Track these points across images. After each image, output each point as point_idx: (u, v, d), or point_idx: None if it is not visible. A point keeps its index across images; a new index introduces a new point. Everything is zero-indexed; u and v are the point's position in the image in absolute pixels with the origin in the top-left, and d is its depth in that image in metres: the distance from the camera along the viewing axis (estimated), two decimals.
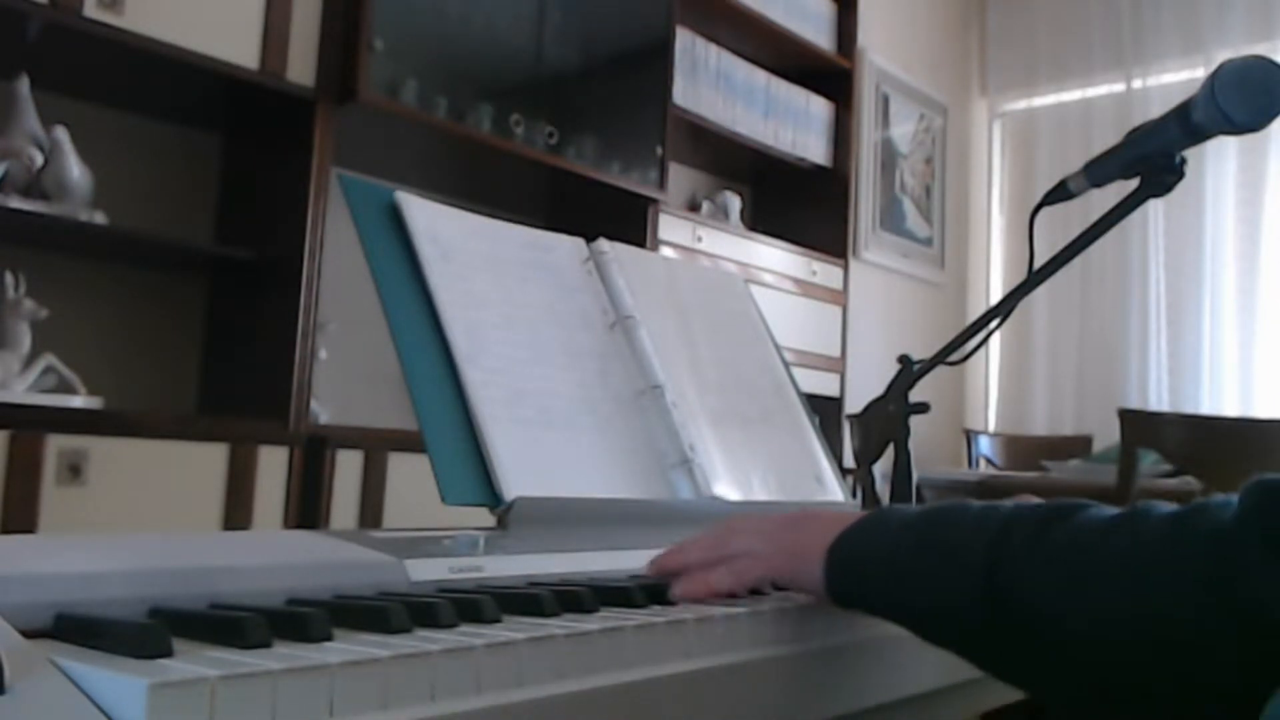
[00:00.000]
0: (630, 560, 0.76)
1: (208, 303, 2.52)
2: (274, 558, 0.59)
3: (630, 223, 2.98)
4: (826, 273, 3.78)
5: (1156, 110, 1.11)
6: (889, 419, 1.15)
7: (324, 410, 2.48)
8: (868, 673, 0.68)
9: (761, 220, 3.83)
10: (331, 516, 2.23)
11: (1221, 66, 0.93)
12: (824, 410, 3.52)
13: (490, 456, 0.78)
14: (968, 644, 0.59)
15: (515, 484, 0.78)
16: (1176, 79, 4.36)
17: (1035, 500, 0.85)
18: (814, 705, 0.64)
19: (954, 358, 1.17)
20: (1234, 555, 0.49)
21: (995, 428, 4.71)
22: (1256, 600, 0.48)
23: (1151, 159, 1.02)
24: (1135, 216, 1.21)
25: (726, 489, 0.95)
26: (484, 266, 0.90)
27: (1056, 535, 0.56)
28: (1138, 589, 0.51)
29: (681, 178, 3.71)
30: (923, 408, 1.17)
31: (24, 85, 2.12)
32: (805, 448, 1.09)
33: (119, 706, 0.37)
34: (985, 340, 1.18)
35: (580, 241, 1.02)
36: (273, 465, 2.17)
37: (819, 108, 3.86)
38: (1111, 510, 0.56)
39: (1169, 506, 0.55)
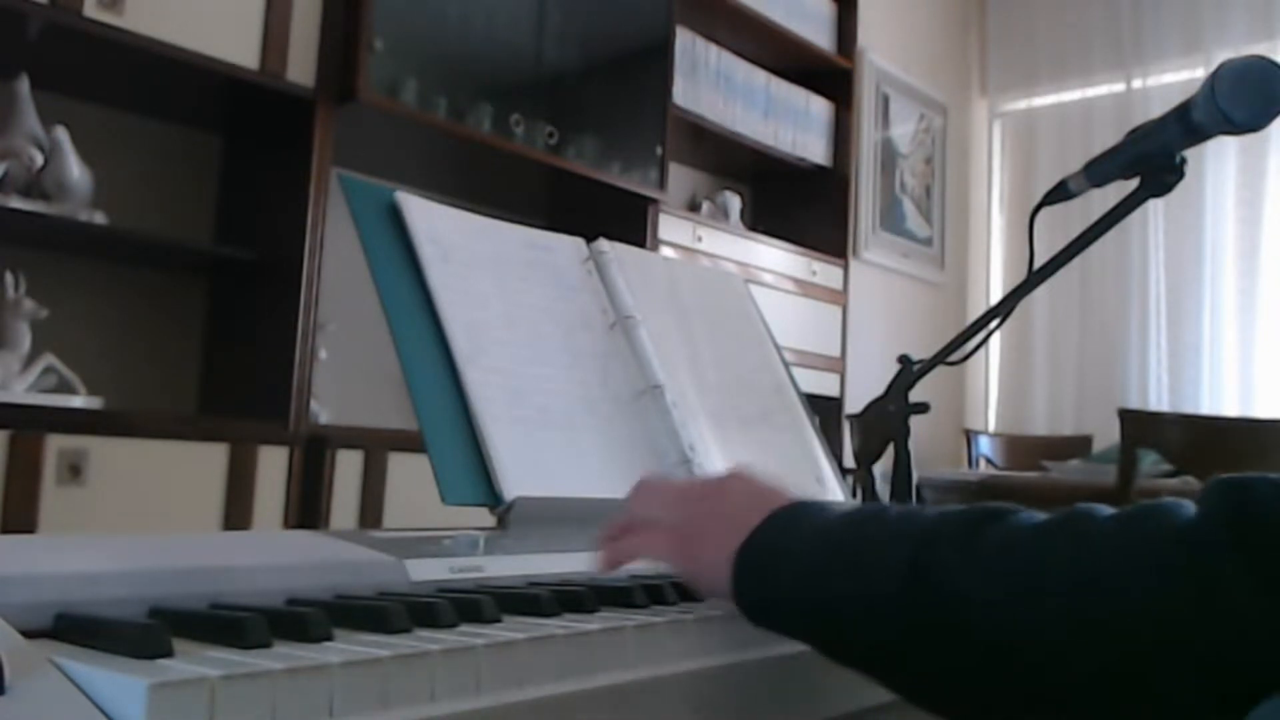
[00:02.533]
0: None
1: (208, 303, 2.52)
2: (274, 558, 0.59)
3: (630, 223, 2.98)
4: (826, 273, 3.78)
5: (1156, 110, 1.11)
6: (889, 419, 1.15)
7: (324, 410, 2.48)
8: None
9: (761, 220, 3.83)
10: (331, 516, 2.23)
11: (1221, 66, 0.93)
12: (824, 410, 3.52)
13: (490, 456, 0.78)
14: (884, 657, 0.54)
15: (515, 484, 0.78)
16: (1176, 79, 4.36)
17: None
18: (814, 705, 0.64)
19: (954, 358, 1.17)
20: (1201, 557, 0.46)
21: (995, 428, 4.71)
22: (1227, 607, 0.45)
23: (1151, 159, 1.02)
24: (1135, 216, 1.21)
25: None
26: (484, 266, 0.90)
27: (991, 535, 0.52)
28: (1085, 588, 0.48)
29: (681, 178, 3.71)
30: (923, 408, 1.17)
31: (24, 85, 2.12)
32: (805, 448, 1.09)
33: (119, 706, 0.37)
34: (985, 340, 1.18)
35: (580, 241, 1.02)
36: (273, 465, 2.17)
37: (819, 108, 3.86)
38: (1043, 515, 0.53)
39: (1108, 510, 0.51)
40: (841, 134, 3.92)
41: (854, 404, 3.62)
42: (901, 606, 0.52)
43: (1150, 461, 2.33)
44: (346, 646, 0.45)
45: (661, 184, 3.03)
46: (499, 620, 0.54)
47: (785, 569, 0.57)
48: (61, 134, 2.12)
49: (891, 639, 0.52)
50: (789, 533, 0.58)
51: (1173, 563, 0.47)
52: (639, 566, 0.67)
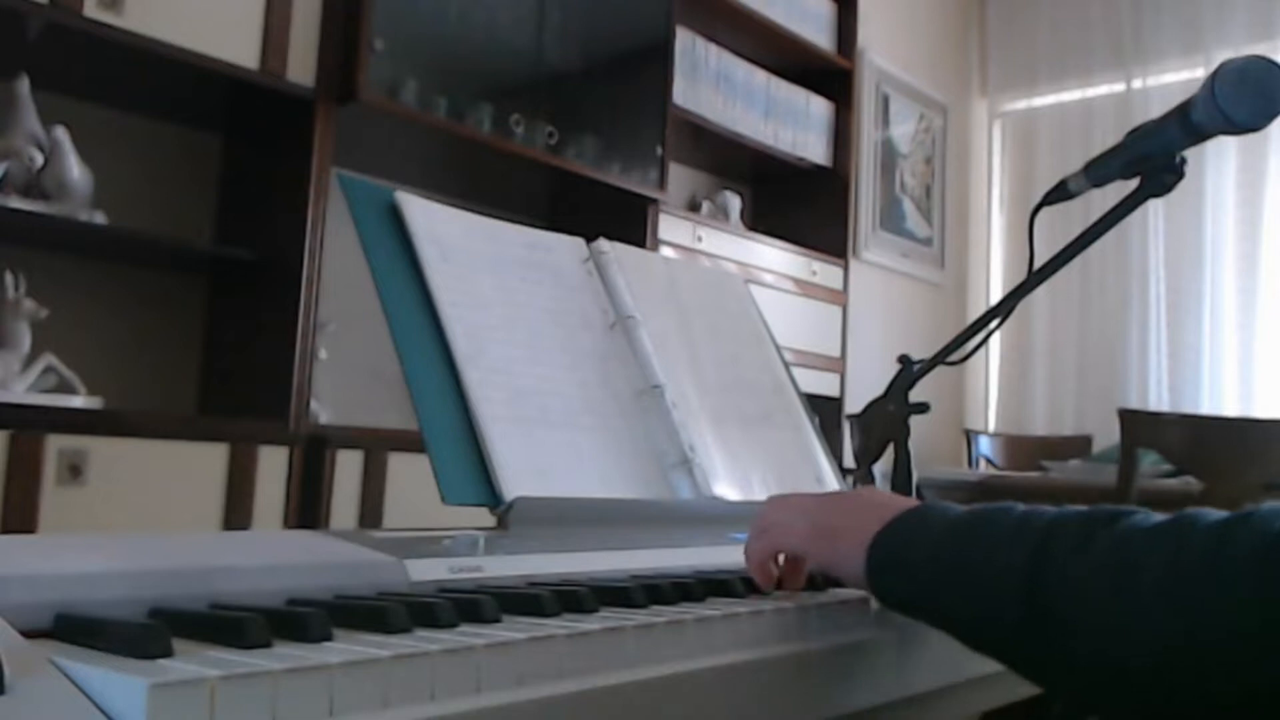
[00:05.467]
0: (630, 560, 0.76)
1: (208, 303, 2.52)
2: (274, 558, 0.59)
3: (630, 223, 2.98)
4: (826, 273, 3.78)
5: (1156, 110, 1.11)
6: (889, 419, 1.15)
7: (324, 410, 2.48)
8: (867, 672, 0.68)
9: (761, 220, 3.83)
10: (331, 516, 2.23)
11: (1221, 66, 0.93)
12: (824, 410, 3.52)
13: (490, 456, 0.78)
14: (1009, 651, 0.59)
15: (515, 484, 0.78)
16: (1176, 79, 4.36)
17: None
18: (814, 705, 0.64)
19: (954, 358, 1.17)
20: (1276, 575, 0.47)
21: (995, 428, 4.71)
22: None
23: (1151, 159, 1.02)
24: (1135, 216, 1.21)
25: (726, 489, 0.95)
26: (484, 267, 0.90)
27: (1100, 543, 0.55)
28: (1178, 604, 0.50)
29: (681, 178, 3.71)
30: (923, 408, 1.17)
31: (24, 85, 2.12)
32: (805, 448, 1.09)
33: (119, 706, 0.37)
34: (985, 340, 1.18)
35: (580, 241, 1.02)
36: (273, 465, 2.17)
37: (819, 108, 3.86)
38: (1158, 517, 0.55)
39: (1217, 514, 0.53)
40: (841, 134, 3.92)
41: (854, 404, 3.61)
42: (1020, 617, 0.56)
43: (1150, 461, 2.32)
44: (346, 646, 0.45)
45: (661, 184, 3.03)
46: (499, 620, 0.54)
47: (912, 565, 0.62)
48: (61, 134, 2.12)
49: (1012, 639, 0.58)
50: (919, 529, 0.64)
51: (1251, 580, 0.48)
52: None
